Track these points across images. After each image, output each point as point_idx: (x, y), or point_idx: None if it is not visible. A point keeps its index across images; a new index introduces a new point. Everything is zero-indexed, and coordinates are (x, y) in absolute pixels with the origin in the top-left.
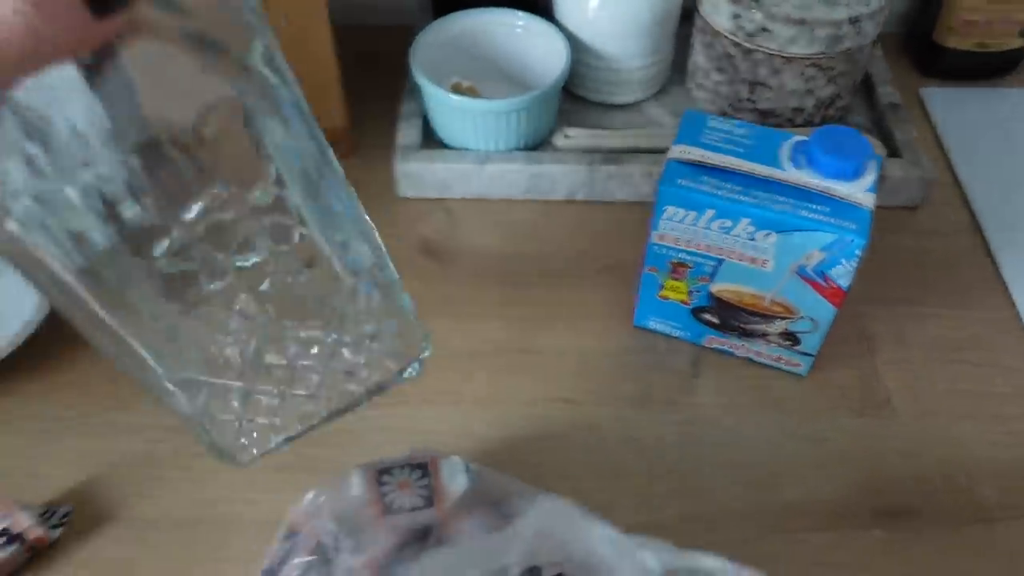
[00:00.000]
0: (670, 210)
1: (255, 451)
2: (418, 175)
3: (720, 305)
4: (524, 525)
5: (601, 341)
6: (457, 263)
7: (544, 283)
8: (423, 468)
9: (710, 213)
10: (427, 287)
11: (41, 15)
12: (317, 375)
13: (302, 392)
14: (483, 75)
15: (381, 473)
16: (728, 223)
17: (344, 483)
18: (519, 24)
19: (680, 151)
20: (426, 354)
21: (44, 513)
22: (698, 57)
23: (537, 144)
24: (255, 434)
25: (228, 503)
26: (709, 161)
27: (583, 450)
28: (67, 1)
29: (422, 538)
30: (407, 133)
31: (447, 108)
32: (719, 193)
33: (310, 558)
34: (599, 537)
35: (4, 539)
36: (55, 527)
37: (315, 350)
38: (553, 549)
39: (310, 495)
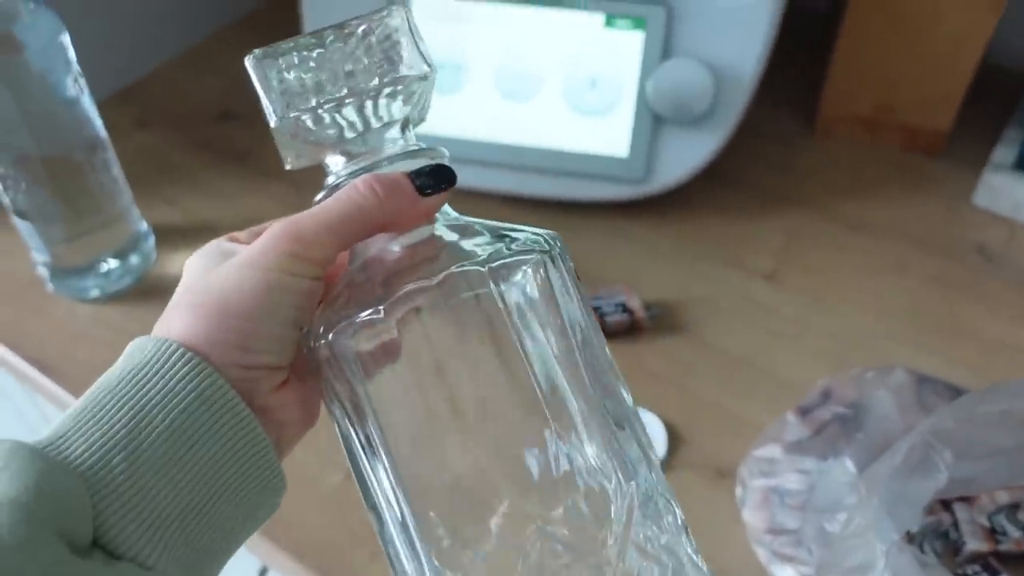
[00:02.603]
0: None
1: None
2: (1000, 191)
3: None
4: None
5: None
6: (1005, 269)
7: None
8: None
9: None
10: (973, 279)
11: (383, 197)
12: None
13: None
14: None
15: (922, 381)
16: None
17: (890, 373)
18: None
19: None
20: None
21: (647, 306)
22: None
23: None
24: None
25: None
26: None
27: None
28: (403, 186)
29: None
30: (1006, 151)
31: None
32: None
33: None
34: None
35: (621, 309)
36: (650, 317)
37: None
38: None
39: (854, 370)
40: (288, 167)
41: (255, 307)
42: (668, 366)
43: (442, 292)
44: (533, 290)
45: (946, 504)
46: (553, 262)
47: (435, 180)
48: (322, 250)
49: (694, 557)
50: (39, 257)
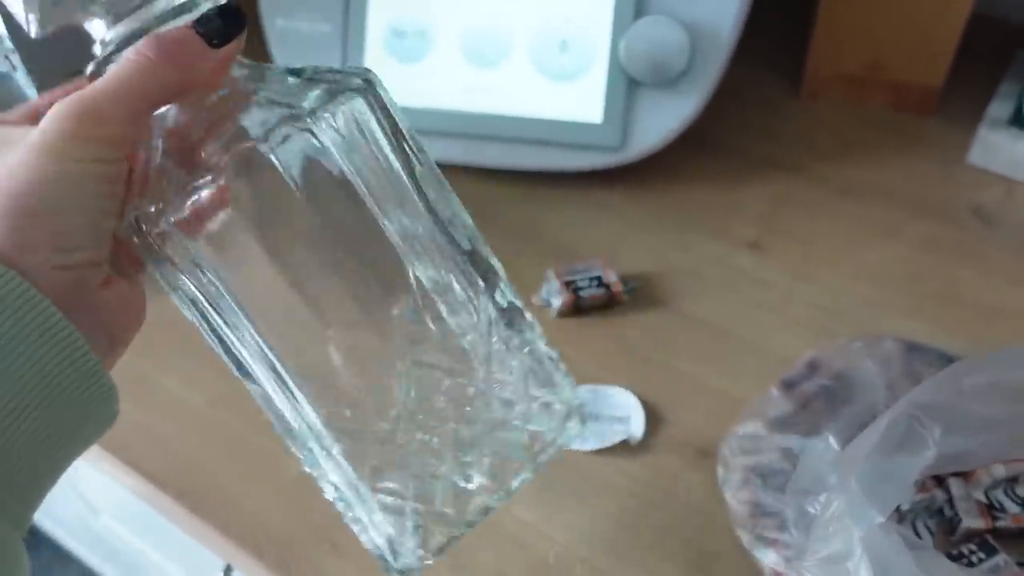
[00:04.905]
0: None
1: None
2: (996, 148)
3: None
4: None
5: None
6: (1002, 230)
7: None
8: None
9: None
10: (968, 241)
11: (162, 59)
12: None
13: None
14: None
15: (911, 349)
16: None
17: (878, 343)
18: None
19: None
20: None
21: (625, 279)
22: None
23: None
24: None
25: None
26: None
27: None
28: (188, 40)
29: None
30: (1001, 107)
31: None
32: None
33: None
34: None
35: (597, 283)
36: (628, 291)
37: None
38: None
39: (841, 340)
40: (34, 33)
41: (59, 203)
42: (647, 341)
43: (267, 146)
44: (358, 125)
45: (940, 480)
46: (371, 96)
47: (224, 25)
48: (119, 128)
49: (551, 352)
50: None
